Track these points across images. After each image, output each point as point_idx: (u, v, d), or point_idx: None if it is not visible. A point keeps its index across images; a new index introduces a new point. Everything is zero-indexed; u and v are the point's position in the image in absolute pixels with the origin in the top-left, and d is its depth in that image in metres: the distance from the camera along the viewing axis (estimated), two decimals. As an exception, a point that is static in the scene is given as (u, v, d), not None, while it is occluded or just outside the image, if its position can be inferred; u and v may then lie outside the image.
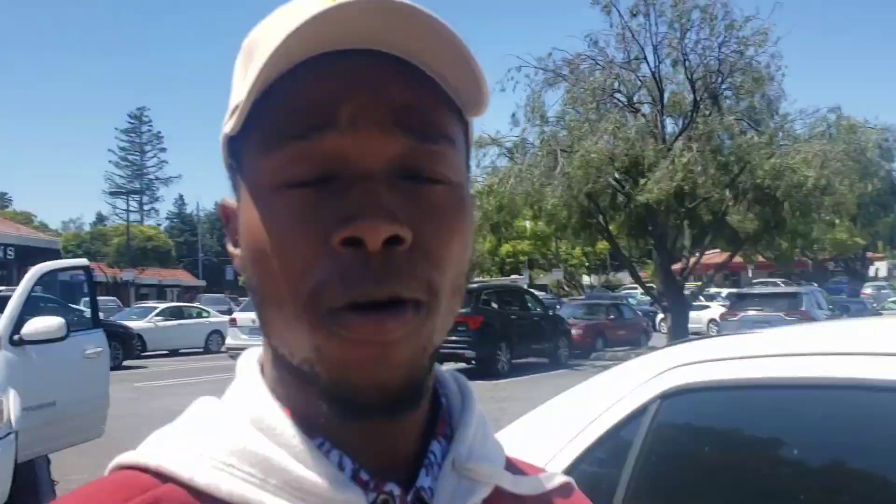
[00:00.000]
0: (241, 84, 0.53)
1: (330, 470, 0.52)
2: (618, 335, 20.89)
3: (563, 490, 0.65)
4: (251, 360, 0.60)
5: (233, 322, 16.94)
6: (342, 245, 0.49)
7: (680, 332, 18.46)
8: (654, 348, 16.38)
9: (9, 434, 4.99)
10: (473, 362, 15.36)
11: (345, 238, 0.49)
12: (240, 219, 0.55)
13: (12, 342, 5.54)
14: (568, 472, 1.58)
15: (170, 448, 0.54)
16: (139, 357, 19.47)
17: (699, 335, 21.64)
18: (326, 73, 0.50)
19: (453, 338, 14.67)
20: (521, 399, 12.19)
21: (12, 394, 5.44)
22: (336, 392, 0.51)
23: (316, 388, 0.52)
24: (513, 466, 0.63)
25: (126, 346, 17.77)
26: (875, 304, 27.12)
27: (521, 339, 16.27)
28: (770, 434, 1.35)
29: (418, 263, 0.51)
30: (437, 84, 0.53)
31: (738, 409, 1.40)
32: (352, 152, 0.50)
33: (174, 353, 21.56)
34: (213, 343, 21.67)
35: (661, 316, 23.13)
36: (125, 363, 17.55)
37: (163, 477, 0.53)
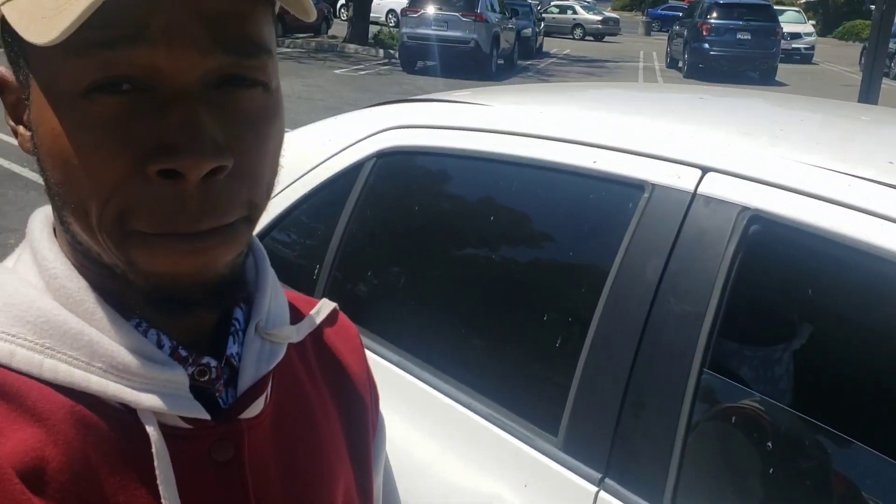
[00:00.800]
0: None
1: (152, 350, 0.53)
2: (297, 21, 20.28)
3: (331, 317, 0.72)
4: (44, 227, 0.57)
5: None
6: (158, 175, 0.48)
7: (360, 24, 18.53)
8: (335, 38, 16.14)
9: None
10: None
11: (163, 170, 0.47)
12: (32, 112, 0.52)
13: None
14: (289, 212, 1.69)
15: None
16: None
17: (379, 25, 21.74)
18: None
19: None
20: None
21: None
22: (155, 295, 0.52)
23: (132, 287, 0.52)
24: (291, 311, 0.68)
25: None
26: (540, 8, 28.37)
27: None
28: (470, 198, 1.56)
29: (238, 187, 0.51)
30: None
31: (442, 174, 1.58)
32: (165, 66, 0.47)
33: None
34: None
35: (342, 2, 22.81)
36: None
37: None
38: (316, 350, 0.71)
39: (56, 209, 0.53)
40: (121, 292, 0.53)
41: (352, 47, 18.36)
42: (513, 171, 1.46)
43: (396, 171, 1.61)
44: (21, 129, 0.54)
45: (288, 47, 18.45)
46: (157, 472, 0.52)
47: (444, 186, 1.59)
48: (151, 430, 0.52)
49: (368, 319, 1.57)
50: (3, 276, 0.54)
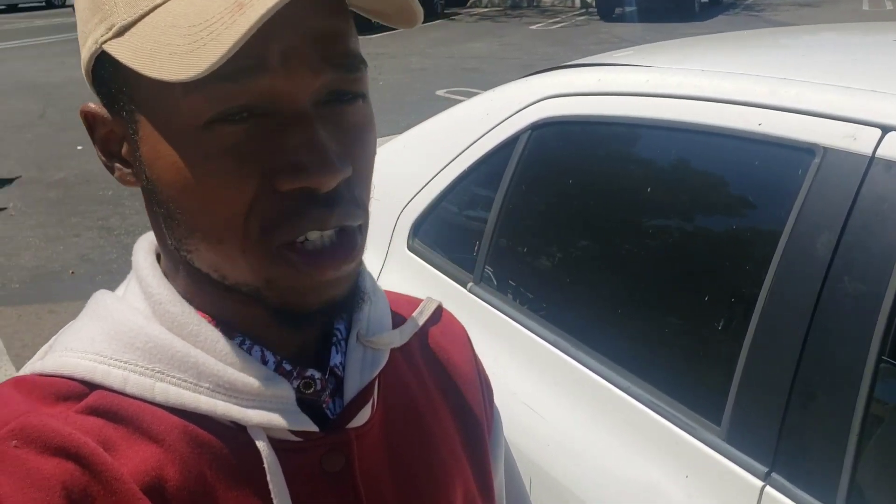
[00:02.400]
0: None
1: (257, 367, 0.55)
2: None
3: (436, 316, 0.72)
4: (147, 255, 0.60)
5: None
6: (291, 190, 0.50)
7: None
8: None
9: None
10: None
11: (296, 188, 0.49)
12: (142, 148, 0.53)
13: None
14: (448, 191, 1.70)
15: (90, 355, 0.54)
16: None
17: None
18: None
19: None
20: (397, 55, 12.11)
21: None
22: (284, 309, 0.53)
23: (257, 302, 0.53)
24: (394, 313, 0.68)
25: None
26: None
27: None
28: (628, 169, 1.47)
29: (355, 190, 0.53)
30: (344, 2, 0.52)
31: (599, 143, 1.50)
32: (283, 91, 0.49)
33: (13, 8, 19.51)
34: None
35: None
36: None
37: (90, 385, 0.53)
38: (422, 351, 0.70)
39: (177, 237, 0.54)
40: (229, 312, 0.55)
41: (548, 0, 18.04)
42: (672, 138, 1.36)
43: (552, 142, 1.56)
44: (117, 164, 0.56)
45: (484, 7, 18.50)
46: (270, 486, 0.53)
47: (600, 157, 1.51)
48: (262, 445, 0.54)
49: (526, 298, 1.54)
50: (114, 304, 0.57)
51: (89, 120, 0.57)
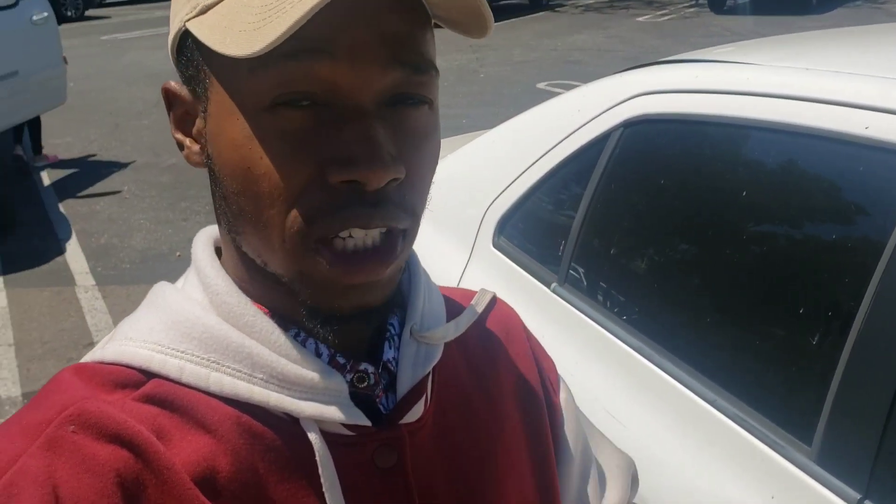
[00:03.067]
0: None
1: (311, 360, 0.55)
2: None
3: (490, 307, 0.71)
4: (206, 247, 0.60)
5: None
6: (339, 183, 0.50)
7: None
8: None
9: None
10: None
11: (345, 181, 0.49)
12: (209, 125, 0.54)
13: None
14: (536, 188, 1.67)
15: (149, 344, 0.55)
16: (102, 5, 18.60)
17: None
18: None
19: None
20: (499, 48, 12.07)
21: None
22: (316, 307, 0.53)
23: (294, 297, 0.54)
24: (449, 307, 0.67)
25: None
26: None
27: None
28: (724, 171, 1.40)
29: (406, 194, 0.52)
30: (423, 6, 0.52)
31: (694, 143, 1.44)
32: (345, 83, 0.49)
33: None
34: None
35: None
36: (87, 13, 16.82)
37: (147, 373, 0.54)
38: (478, 344, 0.69)
39: (228, 220, 0.55)
40: (281, 303, 0.56)
41: (656, -8, 17.58)
42: (771, 140, 1.29)
43: (644, 141, 1.50)
44: (188, 141, 0.57)
45: (589, -1, 18.21)
46: (321, 479, 0.53)
47: (695, 157, 1.44)
48: (314, 438, 0.54)
49: (611, 302, 1.50)
50: (173, 295, 0.58)
51: (169, 97, 0.58)
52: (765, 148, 1.31)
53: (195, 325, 0.55)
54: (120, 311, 4.34)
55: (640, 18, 14.68)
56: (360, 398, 0.56)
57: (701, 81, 1.41)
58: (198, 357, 0.54)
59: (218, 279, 0.57)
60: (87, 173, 6.76)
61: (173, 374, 0.53)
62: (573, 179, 1.62)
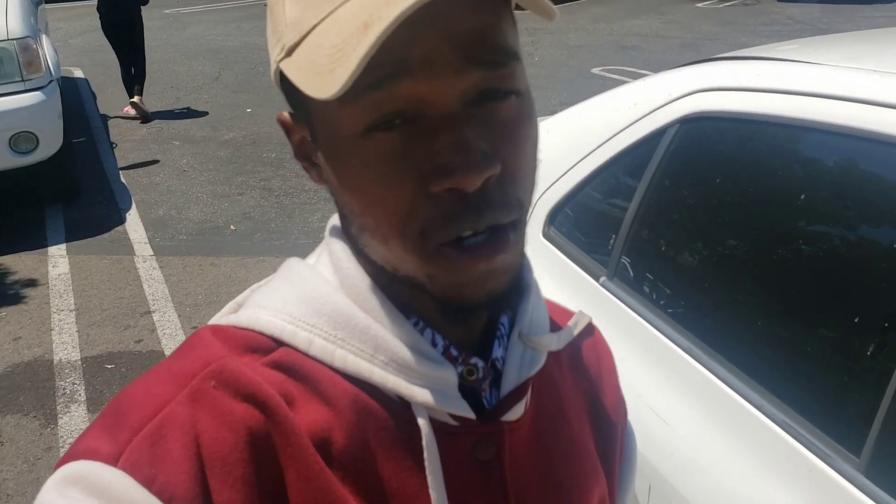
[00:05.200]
0: (290, 7, 0.53)
1: (428, 348, 0.57)
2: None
3: (588, 330, 0.74)
4: (341, 231, 0.62)
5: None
6: (442, 191, 0.51)
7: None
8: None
9: (51, 82, 5.13)
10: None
11: (445, 189, 0.51)
12: (321, 153, 0.56)
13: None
14: (589, 180, 1.67)
15: (281, 315, 0.58)
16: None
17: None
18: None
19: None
20: (555, 31, 11.93)
21: (45, 40, 5.48)
22: (446, 301, 0.55)
23: (424, 293, 0.55)
24: (551, 320, 0.69)
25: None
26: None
27: (559, -39, 15.40)
28: (783, 173, 1.37)
29: (507, 187, 0.53)
30: None
31: (753, 143, 1.41)
32: (427, 95, 0.50)
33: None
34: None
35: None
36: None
37: (277, 342, 0.57)
38: (571, 362, 0.71)
39: (353, 233, 0.58)
40: (405, 294, 0.58)
41: (719, -23, 17.14)
42: (833, 143, 1.26)
43: (701, 138, 1.48)
44: (307, 164, 0.60)
45: (650, -18, 17.86)
46: (426, 462, 0.56)
47: (752, 157, 1.42)
48: (423, 423, 0.56)
49: (660, 299, 1.49)
50: (306, 272, 0.61)
51: (286, 126, 0.60)
52: (826, 151, 1.28)
53: (326, 303, 0.58)
54: (175, 281, 4.45)
55: (700, 4, 14.35)
56: (466, 390, 0.59)
57: (763, 80, 1.38)
58: (326, 332, 0.57)
59: (350, 263, 0.60)
60: (148, 145, 6.92)
61: (302, 345, 0.57)
62: (627, 173, 1.61)
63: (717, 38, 10.06)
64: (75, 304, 4.22)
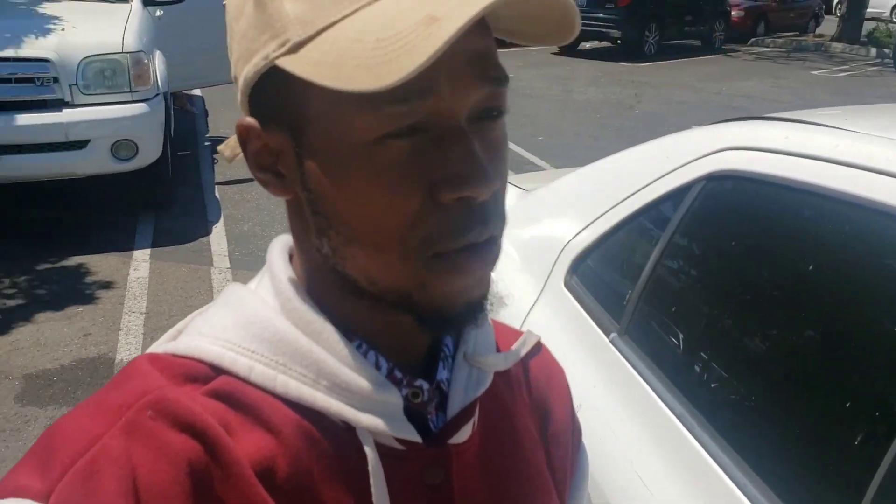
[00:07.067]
0: (291, 4, 0.52)
1: (371, 372, 0.56)
2: (783, 19, 19.07)
3: (536, 349, 0.72)
4: (281, 254, 0.62)
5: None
6: (451, 201, 0.51)
7: (853, 21, 16.70)
8: (821, 37, 14.84)
9: (157, 95, 5.42)
10: (619, 42, 14.76)
11: (456, 198, 0.51)
12: (307, 161, 0.54)
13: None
14: (614, 231, 1.62)
15: (220, 342, 0.57)
16: None
17: (877, 21, 19.32)
18: None
19: (599, 15, 13.97)
20: (660, 84, 11.81)
21: (158, 56, 5.81)
22: (431, 313, 0.54)
23: (398, 311, 0.55)
24: (497, 339, 0.68)
25: None
26: None
27: (674, 18, 15.28)
28: (808, 243, 1.28)
29: (499, 202, 0.55)
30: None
31: (778, 208, 1.34)
32: (445, 108, 0.51)
33: None
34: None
35: (838, -2, 20.69)
36: None
37: (217, 369, 0.56)
38: (520, 381, 0.70)
39: (332, 246, 0.55)
40: (351, 315, 0.57)
41: (838, 46, 16.63)
42: (854, 215, 1.17)
43: (724, 197, 1.42)
44: (267, 176, 0.58)
45: (766, 47, 17.49)
46: (372, 489, 0.55)
47: (774, 221, 1.34)
48: (368, 450, 0.55)
49: (665, 360, 1.42)
50: (247, 296, 0.59)
51: (243, 135, 0.58)
52: (848, 222, 1.20)
53: (266, 327, 0.56)
54: (242, 296, 4.56)
55: (816, 72, 13.92)
56: (412, 414, 0.58)
57: (790, 143, 1.31)
58: (267, 358, 0.56)
59: (290, 286, 0.59)
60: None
61: (242, 372, 0.55)
62: (650, 227, 1.56)
63: (827, 107, 9.73)
64: (147, 307, 4.39)
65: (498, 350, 0.66)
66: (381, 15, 0.48)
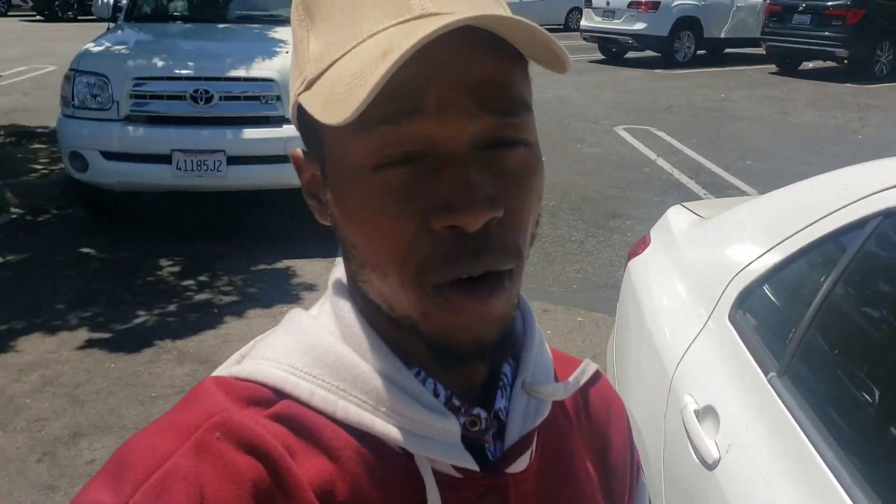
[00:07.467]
0: (314, 44, 0.55)
1: (430, 399, 0.57)
2: None
3: (594, 379, 0.71)
4: (342, 280, 0.63)
5: (587, 1, 16.45)
6: (442, 229, 0.52)
7: None
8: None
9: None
10: (845, 62, 13.63)
11: (446, 226, 0.52)
12: (328, 187, 0.57)
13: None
14: (780, 267, 1.54)
15: (283, 366, 0.58)
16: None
17: None
18: (411, 57, 0.48)
19: (825, 33, 13.00)
20: (892, 108, 10.76)
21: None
22: (437, 344, 0.55)
23: (416, 336, 0.56)
24: (555, 370, 0.67)
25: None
26: None
27: (912, 35, 13.87)
28: None
29: (507, 233, 0.54)
30: (513, 49, 0.53)
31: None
32: (438, 136, 0.52)
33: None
34: (572, 20, 21.40)
35: None
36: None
37: (279, 393, 0.57)
38: (579, 411, 0.70)
39: (353, 268, 0.58)
40: (404, 343, 0.58)
41: None
42: None
43: (903, 236, 1.30)
44: (314, 203, 0.61)
45: None
46: None
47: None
48: (426, 477, 0.56)
49: (825, 408, 1.32)
50: (309, 322, 0.61)
51: (298, 164, 0.62)
52: None
53: (328, 353, 0.58)
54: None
55: None
56: (469, 442, 0.58)
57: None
58: (328, 384, 0.57)
59: (351, 314, 0.60)
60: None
61: (304, 396, 0.56)
62: (821, 262, 1.46)
63: None
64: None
65: (556, 379, 0.65)
66: (363, 51, 0.51)
